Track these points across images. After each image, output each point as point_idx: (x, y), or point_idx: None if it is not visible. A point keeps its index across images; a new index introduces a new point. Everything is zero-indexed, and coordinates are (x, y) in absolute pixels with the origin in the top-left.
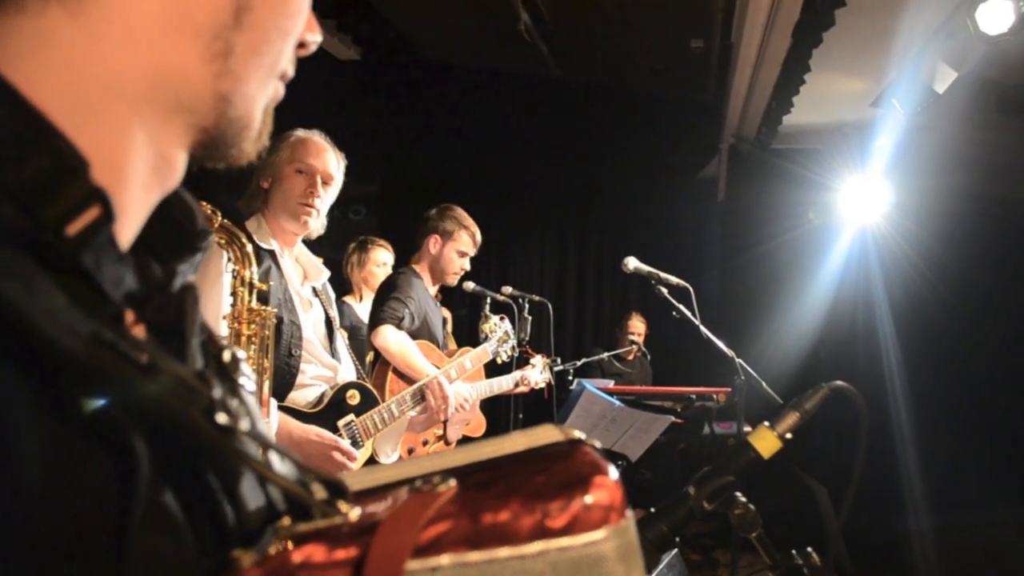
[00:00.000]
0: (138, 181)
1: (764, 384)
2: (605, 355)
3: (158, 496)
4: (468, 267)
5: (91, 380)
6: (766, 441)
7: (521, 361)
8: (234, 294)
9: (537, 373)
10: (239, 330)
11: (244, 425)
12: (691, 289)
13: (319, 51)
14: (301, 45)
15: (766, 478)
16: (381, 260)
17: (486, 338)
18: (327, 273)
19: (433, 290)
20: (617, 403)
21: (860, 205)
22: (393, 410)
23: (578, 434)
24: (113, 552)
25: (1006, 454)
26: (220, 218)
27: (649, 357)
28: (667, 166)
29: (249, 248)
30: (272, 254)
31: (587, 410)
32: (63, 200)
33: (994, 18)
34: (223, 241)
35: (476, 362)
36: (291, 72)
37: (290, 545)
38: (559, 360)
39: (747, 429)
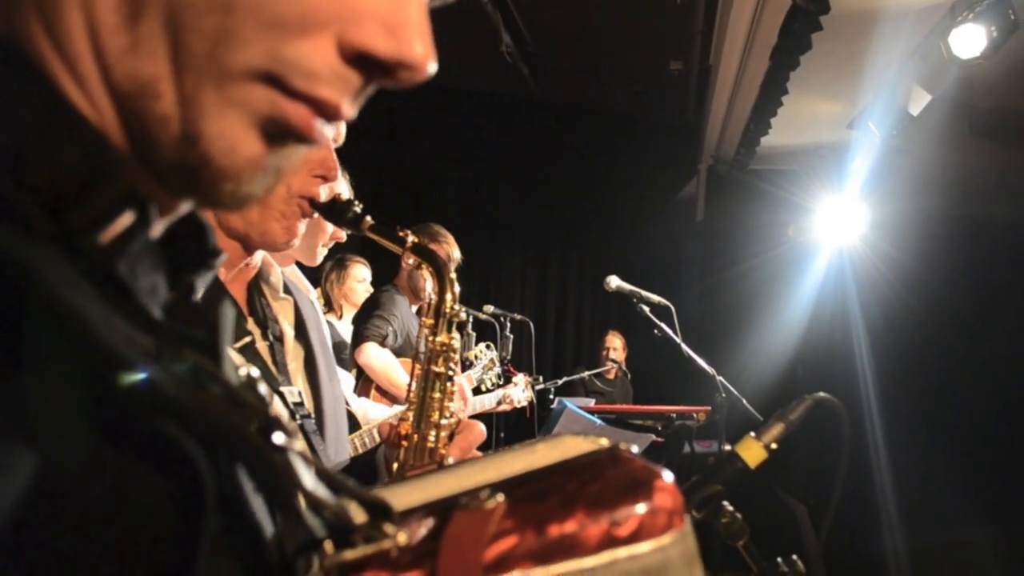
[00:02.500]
0: None
1: (744, 401)
2: (586, 374)
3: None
4: None
5: (150, 396)
6: (752, 451)
7: (503, 379)
8: (435, 327)
9: (519, 391)
10: (429, 369)
11: (298, 446)
12: (672, 308)
13: None
14: (375, 65)
15: (745, 496)
16: (360, 276)
17: (471, 364)
18: (314, 292)
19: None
20: (598, 422)
21: (837, 225)
22: (375, 435)
23: (606, 441)
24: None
25: (981, 473)
26: (411, 238)
27: (630, 376)
28: (646, 186)
29: (453, 275)
30: None
31: (568, 429)
32: (96, 203)
33: (967, 42)
34: (413, 262)
35: None
36: (308, 85)
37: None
38: (540, 378)
39: (727, 448)
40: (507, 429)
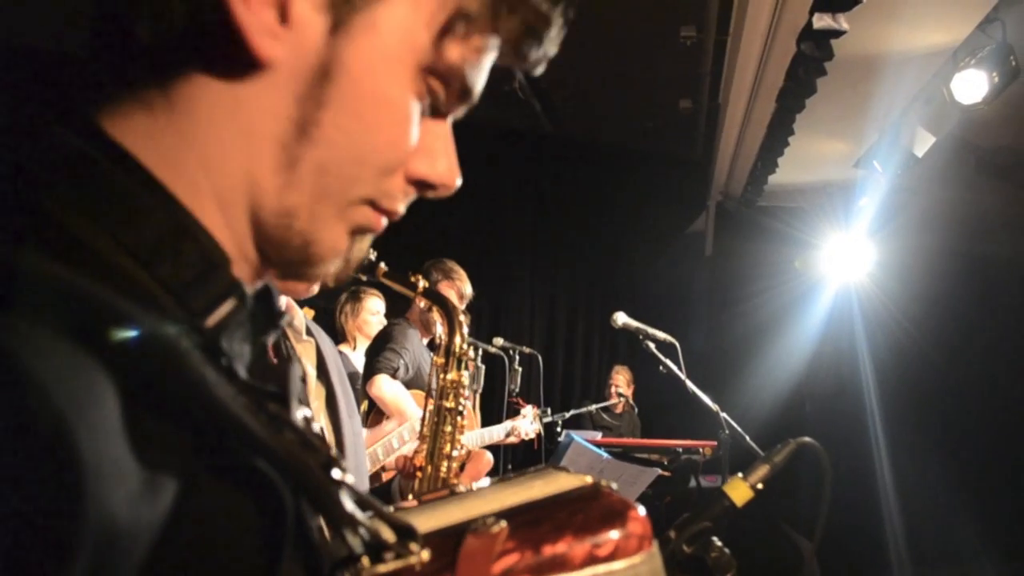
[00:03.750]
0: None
1: (748, 438)
2: (593, 407)
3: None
4: None
5: (250, 440)
6: (739, 491)
7: (512, 412)
8: (445, 366)
9: (527, 423)
10: (441, 405)
11: (350, 479)
12: (677, 345)
13: None
14: (425, 185)
15: (753, 532)
16: (374, 309)
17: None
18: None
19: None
20: (605, 455)
21: (844, 263)
22: (378, 452)
23: (590, 478)
24: None
25: (992, 510)
26: (422, 284)
27: (637, 410)
28: (656, 221)
29: (462, 317)
30: None
31: (575, 462)
32: (209, 292)
33: (969, 88)
34: (424, 305)
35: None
36: (390, 204)
37: None
38: (548, 411)
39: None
40: (515, 461)
